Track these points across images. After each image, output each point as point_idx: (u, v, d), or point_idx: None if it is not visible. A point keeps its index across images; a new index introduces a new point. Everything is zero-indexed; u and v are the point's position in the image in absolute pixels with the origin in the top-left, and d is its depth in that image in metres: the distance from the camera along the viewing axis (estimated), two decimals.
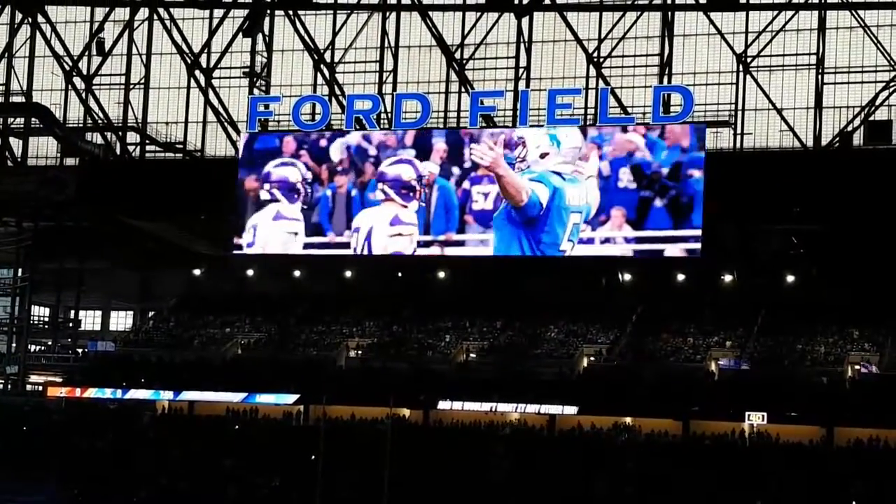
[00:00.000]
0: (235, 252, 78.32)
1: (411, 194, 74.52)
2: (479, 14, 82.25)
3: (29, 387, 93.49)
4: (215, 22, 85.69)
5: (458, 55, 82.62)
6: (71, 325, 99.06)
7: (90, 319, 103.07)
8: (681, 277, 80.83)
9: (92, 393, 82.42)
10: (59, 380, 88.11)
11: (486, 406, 75.16)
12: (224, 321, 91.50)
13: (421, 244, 74.09)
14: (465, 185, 73.44)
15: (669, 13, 79.76)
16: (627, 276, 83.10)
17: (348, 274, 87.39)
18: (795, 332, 79.59)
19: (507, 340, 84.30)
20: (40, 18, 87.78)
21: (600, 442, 72.18)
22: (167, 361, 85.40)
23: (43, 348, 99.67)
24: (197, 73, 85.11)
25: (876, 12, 76.04)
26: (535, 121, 74.31)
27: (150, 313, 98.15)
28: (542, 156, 71.63)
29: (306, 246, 76.74)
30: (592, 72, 79.53)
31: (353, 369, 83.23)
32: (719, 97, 78.56)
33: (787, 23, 77.05)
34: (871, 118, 73.92)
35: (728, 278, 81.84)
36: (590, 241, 70.80)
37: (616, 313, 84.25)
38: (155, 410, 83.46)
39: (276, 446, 73.86)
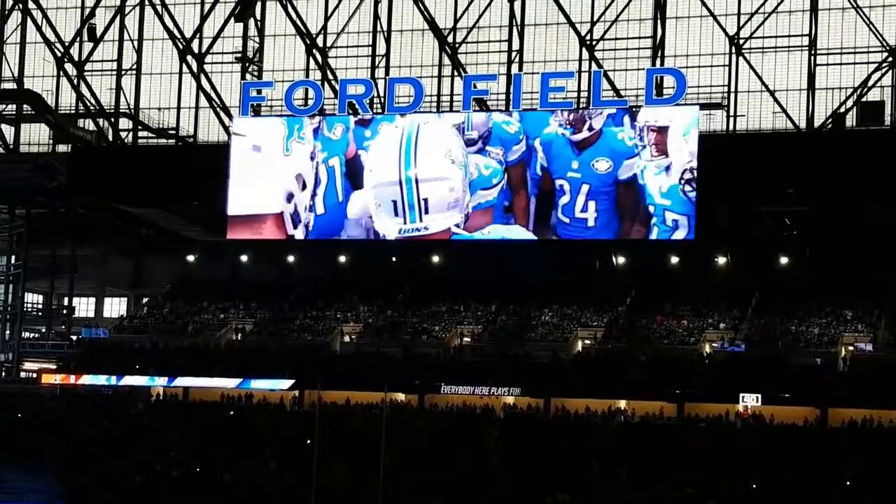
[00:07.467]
0: None
1: None
2: None
3: (23, 374, 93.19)
4: (207, 7, 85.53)
5: (450, 39, 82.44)
6: (64, 312, 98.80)
7: (84, 306, 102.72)
8: (674, 259, 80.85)
9: (86, 380, 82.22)
10: (53, 367, 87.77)
11: (480, 390, 75.21)
12: (218, 307, 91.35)
13: None
14: None
15: None
16: (621, 259, 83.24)
17: (342, 259, 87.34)
18: (789, 313, 79.59)
19: (502, 324, 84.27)
20: (31, 4, 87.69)
21: (595, 425, 72.21)
22: (161, 348, 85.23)
23: (37, 335, 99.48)
24: (189, 58, 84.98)
25: None
26: (527, 104, 74.24)
27: (144, 300, 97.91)
28: None
29: None
30: (585, 55, 79.45)
31: (347, 354, 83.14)
32: (712, 79, 78.52)
33: (779, 4, 76.88)
34: (864, 99, 74.01)
35: (721, 260, 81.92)
36: None
37: (610, 296, 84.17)
38: (149, 397, 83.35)
39: (271, 432, 73.89)
